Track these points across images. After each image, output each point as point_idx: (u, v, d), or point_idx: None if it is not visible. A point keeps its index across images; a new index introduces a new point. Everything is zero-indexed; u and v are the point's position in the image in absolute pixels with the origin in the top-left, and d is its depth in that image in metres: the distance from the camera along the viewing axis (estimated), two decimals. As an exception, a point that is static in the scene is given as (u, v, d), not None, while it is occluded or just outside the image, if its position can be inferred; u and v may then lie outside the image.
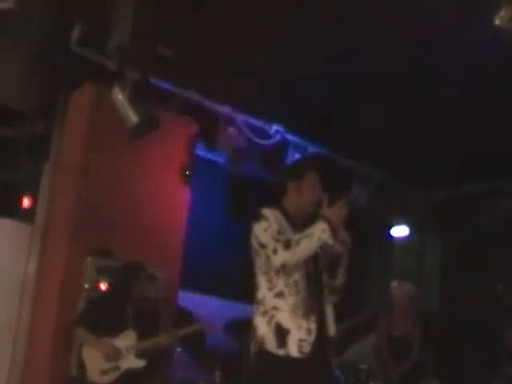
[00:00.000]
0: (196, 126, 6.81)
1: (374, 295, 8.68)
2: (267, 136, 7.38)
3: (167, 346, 5.82)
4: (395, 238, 9.20)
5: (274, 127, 7.39)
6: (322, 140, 7.68)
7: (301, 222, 3.81)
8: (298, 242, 3.59)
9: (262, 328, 3.66)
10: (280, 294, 3.66)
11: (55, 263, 5.97)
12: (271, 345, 3.61)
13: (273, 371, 3.61)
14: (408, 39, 5.67)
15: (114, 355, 5.26)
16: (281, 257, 3.60)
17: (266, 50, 6.00)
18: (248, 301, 3.93)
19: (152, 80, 6.24)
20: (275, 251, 3.62)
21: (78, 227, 5.92)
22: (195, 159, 6.85)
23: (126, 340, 5.36)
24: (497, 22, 4.48)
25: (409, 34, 5.57)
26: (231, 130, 7.00)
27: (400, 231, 9.11)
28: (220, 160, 7.29)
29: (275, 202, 3.92)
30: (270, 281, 3.70)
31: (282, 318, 3.62)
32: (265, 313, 3.68)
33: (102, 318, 5.39)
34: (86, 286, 5.81)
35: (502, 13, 4.45)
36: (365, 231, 7.55)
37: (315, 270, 3.78)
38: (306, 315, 3.62)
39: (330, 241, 3.58)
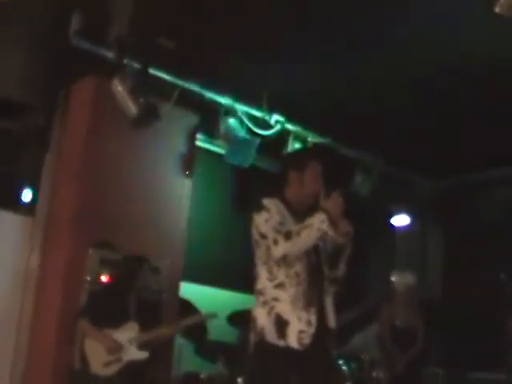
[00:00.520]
0: (197, 117, 6.81)
1: (376, 285, 8.68)
2: (268, 126, 7.36)
3: (170, 338, 5.83)
4: (397, 227, 9.20)
5: (275, 117, 7.38)
6: (323, 130, 7.66)
7: (303, 213, 3.77)
8: (298, 233, 3.57)
9: (262, 319, 3.65)
10: (280, 285, 3.64)
11: (57, 255, 5.96)
12: (271, 336, 3.60)
13: (273, 362, 3.59)
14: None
15: (115, 349, 5.26)
16: (282, 248, 3.58)
17: (266, 39, 5.98)
18: (251, 292, 3.91)
19: (152, 71, 6.23)
20: (276, 242, 3.60)
21: (80, 219, 5.91)
22: (196, 150, 6.84)
23: (129, 331, 5.35)
24: (497, 9, 4.48)
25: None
26: (232, 120, 6.99)
27: (401, 220, 9.12)
28: (221, 151, 7.28)
29: (276, 191, 3.88)
30: (270, 271, 3.68)
31: (283, 310, 3.60)
32: (265, 303, 3.66)
33: (105, 309, 5.38)
34: (89, 278, 5.82)
35: (502, 0, 4.45)
36: (367, 221, 7.54)
37: (316, 261, 3.76)
38: (307, 307, 3.61)
39: (330, 231, 3.55)
